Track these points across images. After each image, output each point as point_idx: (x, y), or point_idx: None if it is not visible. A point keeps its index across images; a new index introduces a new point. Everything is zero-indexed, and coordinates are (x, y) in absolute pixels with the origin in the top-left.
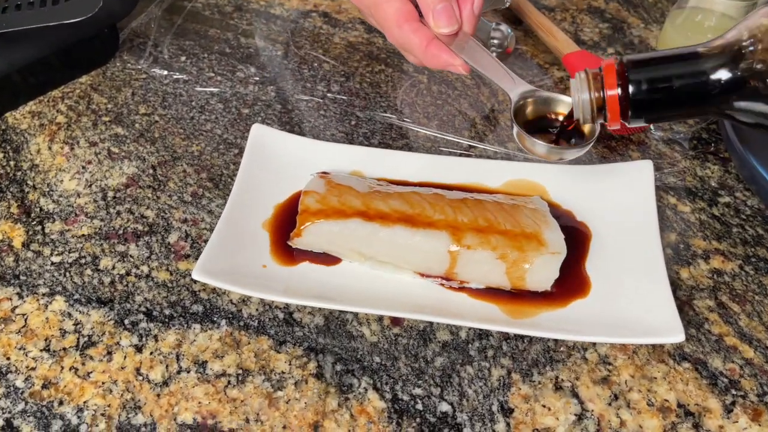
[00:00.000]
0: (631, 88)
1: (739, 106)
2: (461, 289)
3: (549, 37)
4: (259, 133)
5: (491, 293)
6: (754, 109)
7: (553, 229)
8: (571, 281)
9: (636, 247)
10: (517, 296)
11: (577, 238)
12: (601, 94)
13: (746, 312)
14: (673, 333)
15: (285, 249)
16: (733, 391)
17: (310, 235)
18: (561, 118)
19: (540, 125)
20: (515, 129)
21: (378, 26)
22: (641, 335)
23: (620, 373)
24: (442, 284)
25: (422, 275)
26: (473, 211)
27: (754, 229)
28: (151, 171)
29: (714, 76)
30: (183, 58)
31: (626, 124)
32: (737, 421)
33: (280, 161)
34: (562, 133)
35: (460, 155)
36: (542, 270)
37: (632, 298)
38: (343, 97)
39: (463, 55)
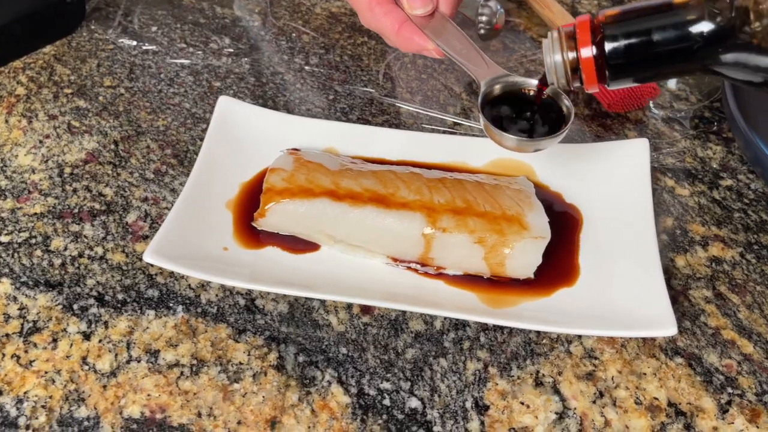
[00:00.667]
0: (607, 46)
1: (725, 60)
2: (438, 275)
3: (544, 9)
4: (227, 106)
5: (470, 280)
6: (743, 61)
7: (536, 211)
8: (557, 268)
9: (628, 233)
10: (497, 284)
11: (565, 221)
12: (576, 54)
13: (746, 303)
14: (665, 326)
15: (249, 231)
16: (730, 390)
17: (275, 216)
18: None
19: (514, 113)
20: (482, 120)
21: (353, 8)
22: (630, 328)
23: (607, 369)
24: (418, 270)
25: (396, 260)
26: (451, 191)
27: (758, 214)
28: (112, 146)
29: (696, 27)
30: (154, 29)
31: (606, 86)
32: (733, 422)
33: (248, 137)
34: (538, 112)
35: (444, 133)
36: (524, 255)
37: (622, 287)
38: (322, 71)
39: (438, 38)
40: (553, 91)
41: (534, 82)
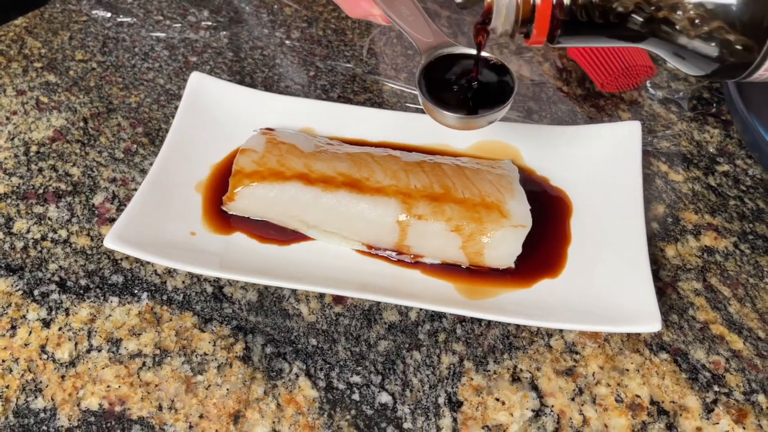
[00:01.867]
0: None
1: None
2: (415, 264)
3: None
4: (200, 82)
5: (447, 270)
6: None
7: (517, 198)
8: (541, 258)
9: (616, 221)
10: (476, 274)
11: (555, 208)
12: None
13: (737, 297)
14: (649, 321)
15: (219, 215)
16: (716, 388)
17: (244, 200)
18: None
19: (456, 86)
20: (420, 97)
21: None
22: (613, 323)
23: (588, 364)
24: (393, 258)
25: (371, 247)
26: (429, 176)
27: (754, 202)
28: (81, 124)
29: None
30: (130, 0)
31: (549, 43)
32: (718, 423)
33: (221, 115)
34: (481, 85)
35: None
36: (503, 245)
37: (606, 279)
38: (303, 45)
39: (386, 3)
40: (496, 60)
41: (484, 53)
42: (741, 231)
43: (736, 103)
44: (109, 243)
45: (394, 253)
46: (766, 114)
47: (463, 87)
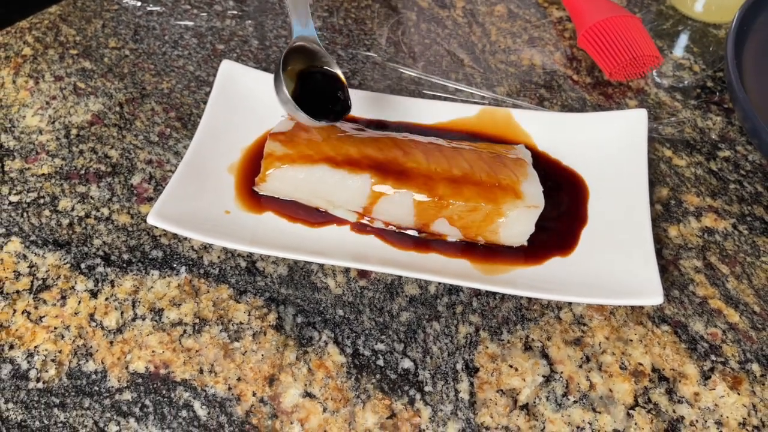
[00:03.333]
0: None
1: None
2: (435, 243)
3: None
4: (230, 70)
5: (464, 247)
6: None
7: (531, 181)
8: (554, 237)
9: (622, 203)
10: (491, 251)
11: (573, 190)
12: None
13: (735, 274)
14: (652, 294)
15: (251, 195)
16: (713, 357)
17: (276, 181)
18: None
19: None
20: (282, 85)
21: None
22: (618, 296)
23: (594, 335)
24: (417, 236)
25: (393, 226)
26: (449, 160)
27: (753, 185)
28: (117, 108)
29: None
30: None
31: None
32: (714, 389)
33: (251, 101)
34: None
35: (445, 99)
36: (517, 224)
37: (612, 256)
38: (325, 34)
39: None
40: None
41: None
42: (740, 213)
43: (736, 91)
44: (151, 220)
45: (416, 232)
46: (764, 101)
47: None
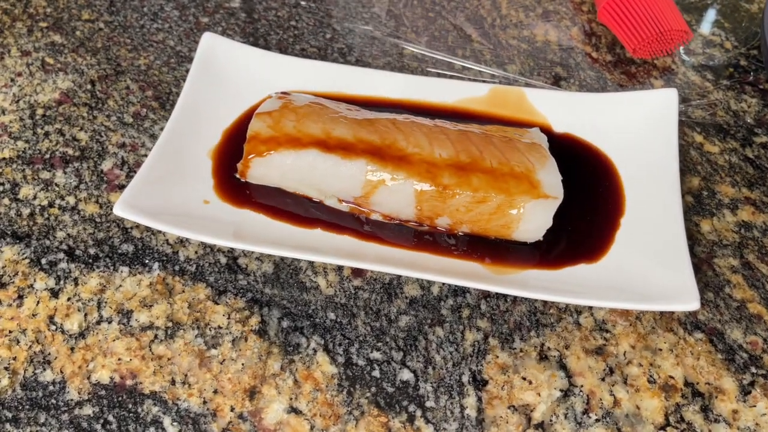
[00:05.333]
0: None
1: None
2: (438, 236)
3: None
4: (211, 44)
5: (472, 243)
6: None
7: (549, 168)
8: (570, 234)
9: (650, 194)
10: (502, 248)
11: (585, 181)
12: None
13: None
14: (686, 299)
15: (232, 182)
16: (753, 369)
17: (260, 168)
18: None
19: None
20: None
21: None
22: (647, 300)
23: (619, 343)
24: (417, 229)
25: (391, 218)
26: (455, 144)
27: None
28: (88, 86)
29: None
30: None
31: None
32: (755, 405)
33: (234, 79)
34: None
35: (451, 78)
36: (533, 217)
37: (640, 254)
38: (320, 6)
39: None
40: None
41: None
42: None
43: None
44: (118, 210)
45: (418, 225)
46: None
47: None
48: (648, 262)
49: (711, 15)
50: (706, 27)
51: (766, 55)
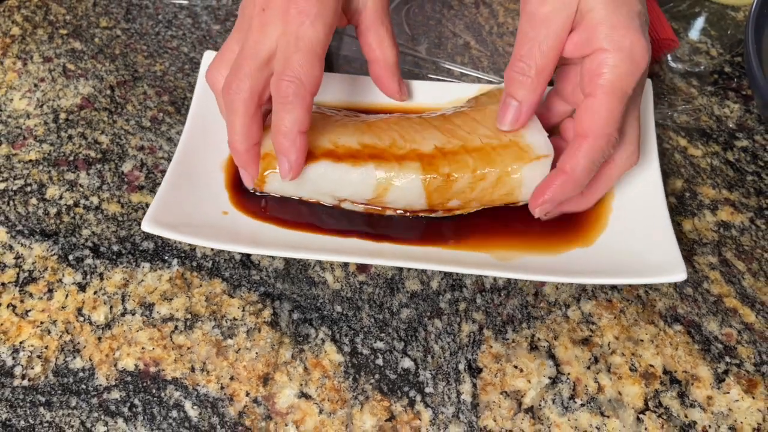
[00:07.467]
0: None
1: None
2: (438, 234)
3: None
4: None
5: (472, 233)
6: None
7: (533, 129)
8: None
9: (633, 177)
10: (506, 237)
11: None
12: None
13: (752, 271)
14: (674, 271)
15: (247, 194)
16: (728, 359)
17: (275, 183)
18: None
19: None
20: None
21: None
22: (640, 275)
23: (603, 334)
24: (430, 216)
25: (407, 211)
26: (442, 131)
27: None
28: (108, 92)
29: None
30: None
31: None
32: (728, 392)
33: None
34: None
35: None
36: (531, 179)
37: (628, 233)
38: None
39: None
40: None
41: None
42: (758, 206)
43: (756, 78)
44: (146, 227)
45: (430, 212)
46: None
47: None
48: (636, 240)
49: (699, 23)
50: (693, 34)
51: (749, 62)
